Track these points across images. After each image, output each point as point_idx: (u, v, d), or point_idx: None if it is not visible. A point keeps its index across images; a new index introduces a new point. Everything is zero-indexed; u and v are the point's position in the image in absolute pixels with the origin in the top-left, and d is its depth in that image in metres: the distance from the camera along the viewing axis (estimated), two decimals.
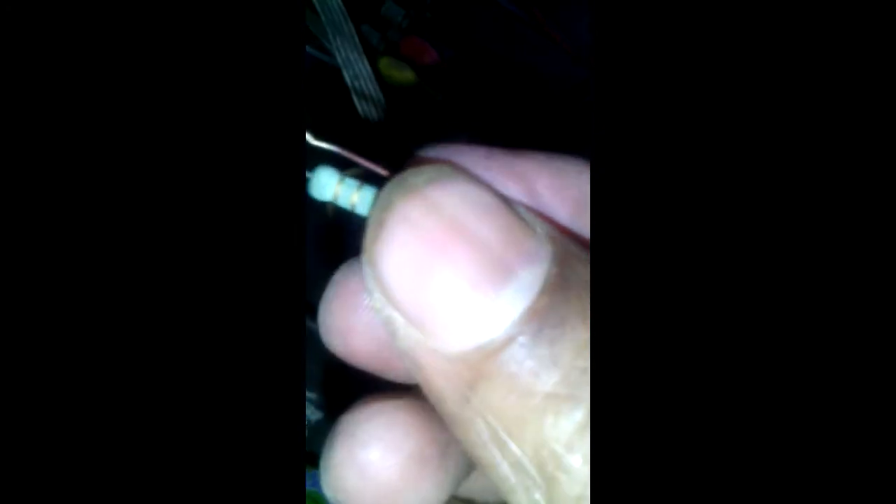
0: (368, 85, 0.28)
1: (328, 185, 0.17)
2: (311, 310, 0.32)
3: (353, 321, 0.18)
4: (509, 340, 0.14)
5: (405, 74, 0.39)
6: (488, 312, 0.14)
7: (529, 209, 0.16)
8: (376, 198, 0.16)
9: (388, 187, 0.15)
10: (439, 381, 0.15)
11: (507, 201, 0.15)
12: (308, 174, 0.17)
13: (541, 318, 0.14)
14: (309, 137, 0.17)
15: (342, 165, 0.17)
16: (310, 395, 0.35)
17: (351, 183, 0.16)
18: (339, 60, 0.27)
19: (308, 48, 0.34)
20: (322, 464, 0.18)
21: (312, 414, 0.34)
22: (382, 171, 0.16)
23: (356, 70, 0.28)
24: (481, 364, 0.14)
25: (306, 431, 0.35)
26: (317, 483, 0.41)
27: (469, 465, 0.19)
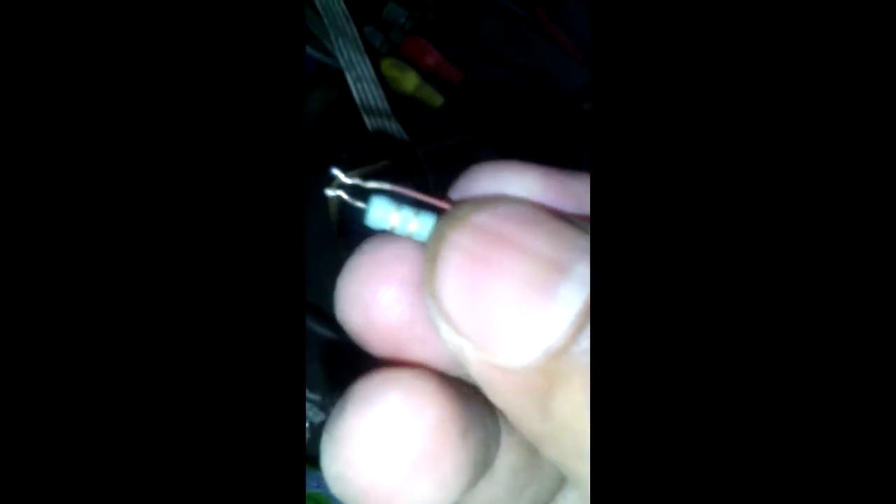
0: (371, 87, 0.28)
1: (385, 216, 0.17)
2: (314, 311, 0.32)
3: (376, 293, 0.17)
4: (575, 335, 0.14)
5: (408, 75, 0.39)
6: (548, 313, 0.14)
7: (583, 217, 0.16)
8: (434, 225, 0.16)
9: (439, 223, 0.16)
10: (517, 400, 0.15)
11: (554, 212, 0.16)
12: (362, 205, 0.17)
13: None
14: (358, 181, 0.17)
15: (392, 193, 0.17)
16: (312, 396, 0.35)
17: (407, 212, 0.17)
18: (342, 62, 0.27)
19: (311, 50, 0.34)
20: (325, 439, 0.17)
21: (315, 416, 0.34)
22: (442, 204, 0.17)
23: (359, 72, 0.28)
24: (552, 367, 0.14)
25: (308, 433, 0.35)
26: (318, 485, 0.41)
27: (484, 464, 0.17)
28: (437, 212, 0.17)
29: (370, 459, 0.16)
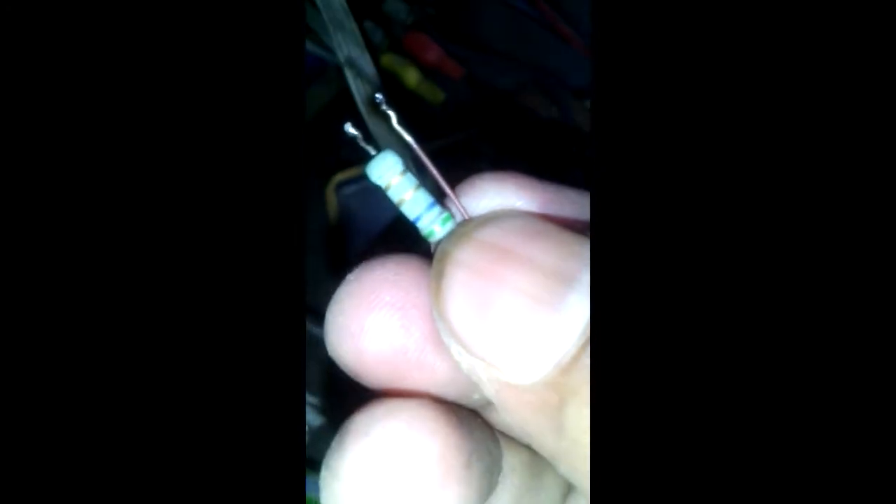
0: (372, 83, 0.27)
1: (388, 173, 0.17)
2: (312, 312, 0.31)
3: (366, 322, 0.17)
4: (586, 345, 0.14)
5: (409, 71, 0.39)
6: (556, 326, 0.14)
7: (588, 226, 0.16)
8: (427, 207, 0.16)
9: (443, 241, 0.16)
10: (532, 419, 0.14)
11: (559, 222, 0.15)
12: (373, 152, 0.17)
13: None
14: (398, 127, 0.17)
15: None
16: (311, 399, 0.34)
17: (410, 180, 0.17)
18: (341, 58, 0.27)
19: (309, 46, 0.34)
20: (326, 470, 0.16)
21: (314, 419, 0.34)
22: (448, 190, 0.17)
23: (359, 68, 0.27)
24: (563, 381, 0.14)
25: (307, 437, 0.35)
26: (317, 489, 0.41)
27: (488, 491, 0.17)
28: (440, 196, 0.17)
29: (372, 497, 0.16)
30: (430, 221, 0.17)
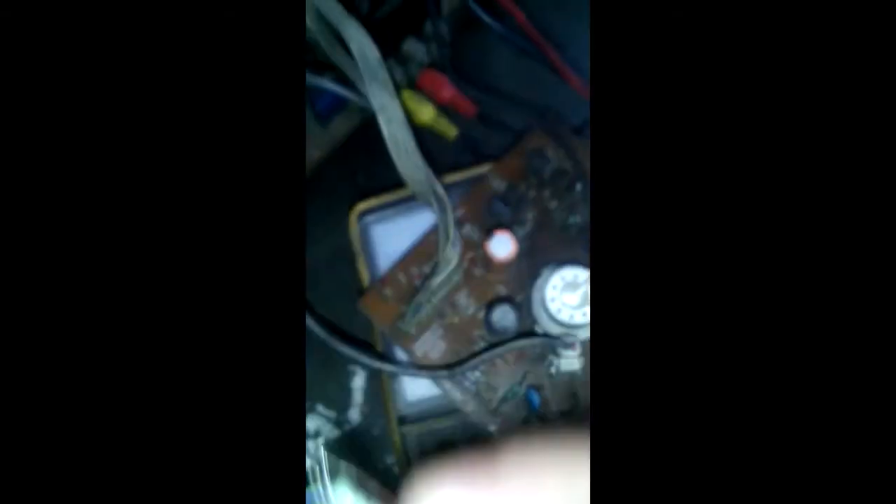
0: (402, 128, 0.29)
1: None
2: (333, 329, 0.33)
3: None
4: None
5: (424, 108, 0.41)
6: None
7: None
8: None
9: None
10: None
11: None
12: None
13: None
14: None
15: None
16: (327, 412, 0.36)
17: None
18: (375, 105, 0.29)
19: (334, 86, 0.36)
20: None
21: (330, 432, 0.35)
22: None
23: (390, 114, 0.29)
24: None
25: (324, 449, 0.35)
26: (324, 499, 0.41)
27: None
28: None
29: None
30: None
